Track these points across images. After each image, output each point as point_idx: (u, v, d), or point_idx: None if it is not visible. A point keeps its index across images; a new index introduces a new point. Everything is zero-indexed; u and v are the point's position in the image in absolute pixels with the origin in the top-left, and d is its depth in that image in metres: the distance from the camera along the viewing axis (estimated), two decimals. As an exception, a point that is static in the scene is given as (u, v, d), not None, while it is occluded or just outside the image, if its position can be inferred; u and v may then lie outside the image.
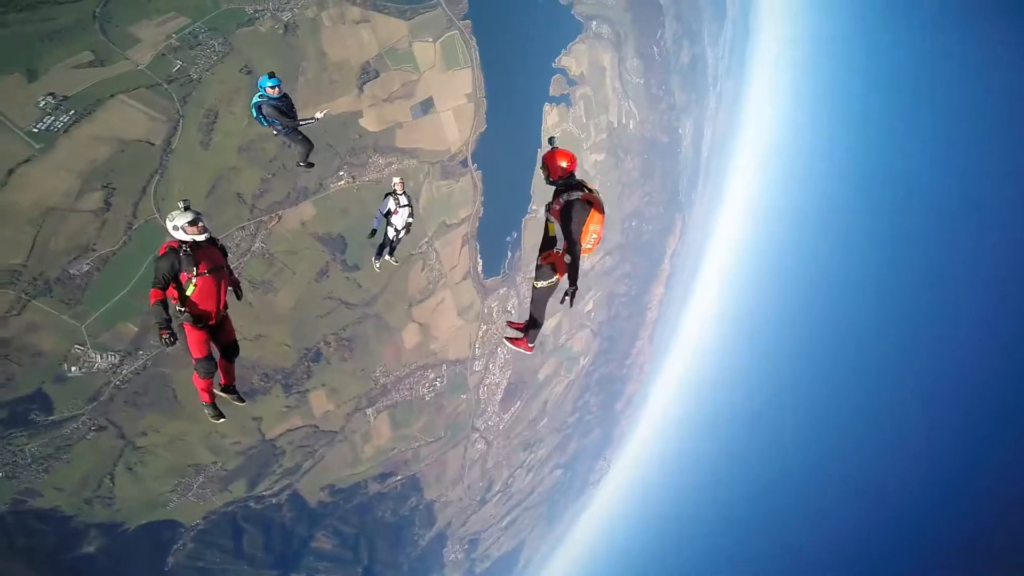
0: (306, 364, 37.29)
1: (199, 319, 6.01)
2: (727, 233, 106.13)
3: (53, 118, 24.89)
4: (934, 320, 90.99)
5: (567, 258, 5.34)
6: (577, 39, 53.85)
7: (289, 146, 10.84)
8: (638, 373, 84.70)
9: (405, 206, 11.06)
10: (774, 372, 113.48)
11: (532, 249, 47.31)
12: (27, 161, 24.65)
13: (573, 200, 5.37)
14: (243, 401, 7.17)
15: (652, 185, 69.73)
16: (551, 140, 6.10)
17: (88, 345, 27.51)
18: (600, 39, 56.20)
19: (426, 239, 42.78)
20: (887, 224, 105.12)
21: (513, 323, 6.56)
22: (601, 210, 5.44)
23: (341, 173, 35.88)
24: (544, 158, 5.90)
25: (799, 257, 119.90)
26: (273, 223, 33.33)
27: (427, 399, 46.85)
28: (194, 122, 29.44)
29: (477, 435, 54.36)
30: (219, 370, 6.68)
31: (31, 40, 24.83)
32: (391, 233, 11.40)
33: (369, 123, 37.61)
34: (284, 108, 9.64)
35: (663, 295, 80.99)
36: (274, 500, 38.99)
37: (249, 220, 32.22)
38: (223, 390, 6.88)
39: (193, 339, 6.08)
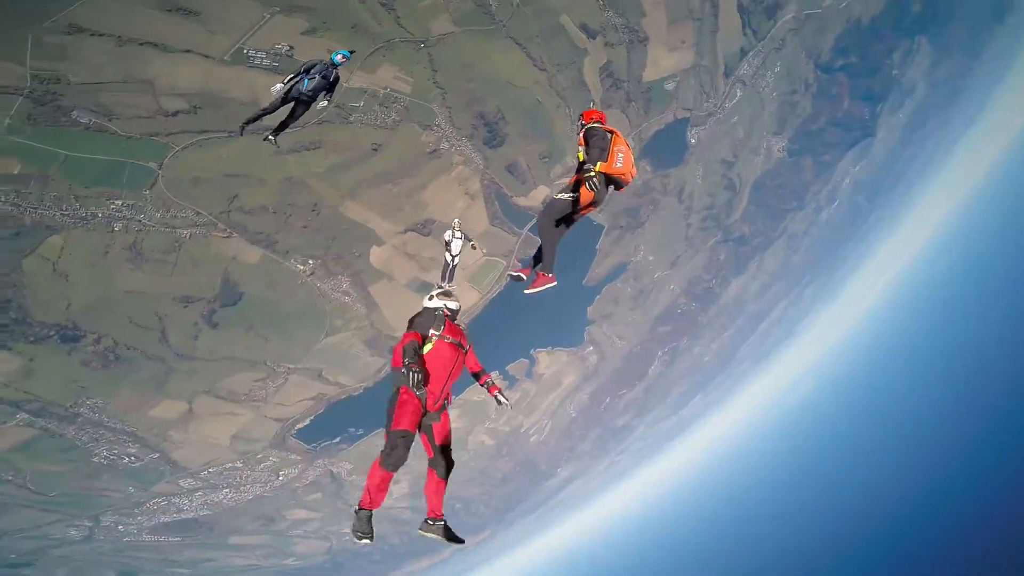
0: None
1: (419, 383, 4.68)
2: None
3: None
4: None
5: (593, 170, 5.72)
6: (571, 347, 55.12)
7: (291, 110, 10.72)
8: None
9: (458, 239, 14.39)
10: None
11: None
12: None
13: (594, 126, 6.25)
14: (463, 542, 5.11)
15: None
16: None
17: None
18: (583, 360, 57.75)
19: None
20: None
21: (517, 271, 6.27)
22: (623, 141, 6.02)
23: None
24: (582, 115, 6.68)
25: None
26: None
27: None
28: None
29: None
30: (429, 493, 5.16)
31: None
32: (448, 258, 14.89)
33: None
34: (329, 84, 10.43)
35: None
36: None
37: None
38: (433, 527, 5.02)
39: (405, 406, 4.79)
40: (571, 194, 5.96)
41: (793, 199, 56.23)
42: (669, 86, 42.48)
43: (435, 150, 36.92)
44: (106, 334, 32.49)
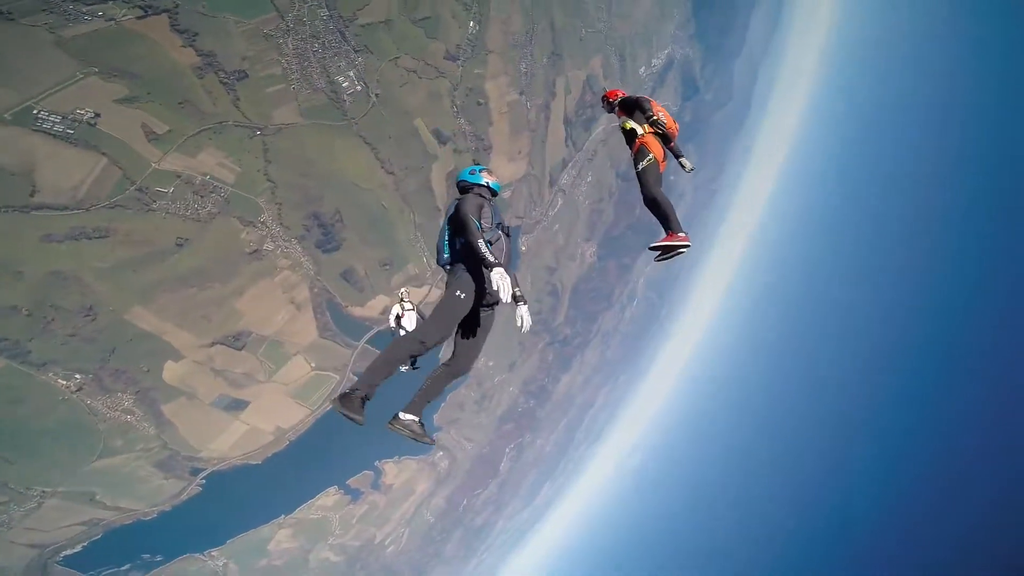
0: None
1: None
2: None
3: None
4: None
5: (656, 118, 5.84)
6: (420, 455, 51.98)
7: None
8: None
9: (410, 310, 9.19)
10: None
11: None
12: None
13: (628, 96, 6.30)
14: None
15: None
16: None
17: None
18: (433, 466, 54.64)
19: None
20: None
21: (656, 243, 5.48)
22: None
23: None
24: (605, 96, 6.70)
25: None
26: None
27: None
28: None
29: None
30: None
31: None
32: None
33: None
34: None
35: None
36: None
37: None
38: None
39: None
40: (648, 158, 5.76)
41: (603, 300, 65.71)
42: (506, 195, 46.73)
43: (257, 251, 33.12)
44: None
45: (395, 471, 51.25)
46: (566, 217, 55.37)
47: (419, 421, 4.49)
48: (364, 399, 4.16)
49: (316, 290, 36.93)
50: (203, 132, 29.47)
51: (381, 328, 41.15)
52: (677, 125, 6.09)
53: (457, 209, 4.56)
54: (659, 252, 5.47)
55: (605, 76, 50.33)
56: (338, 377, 39.67)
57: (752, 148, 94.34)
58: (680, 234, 5.38)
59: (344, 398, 4.09)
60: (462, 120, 40.53)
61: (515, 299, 4.68)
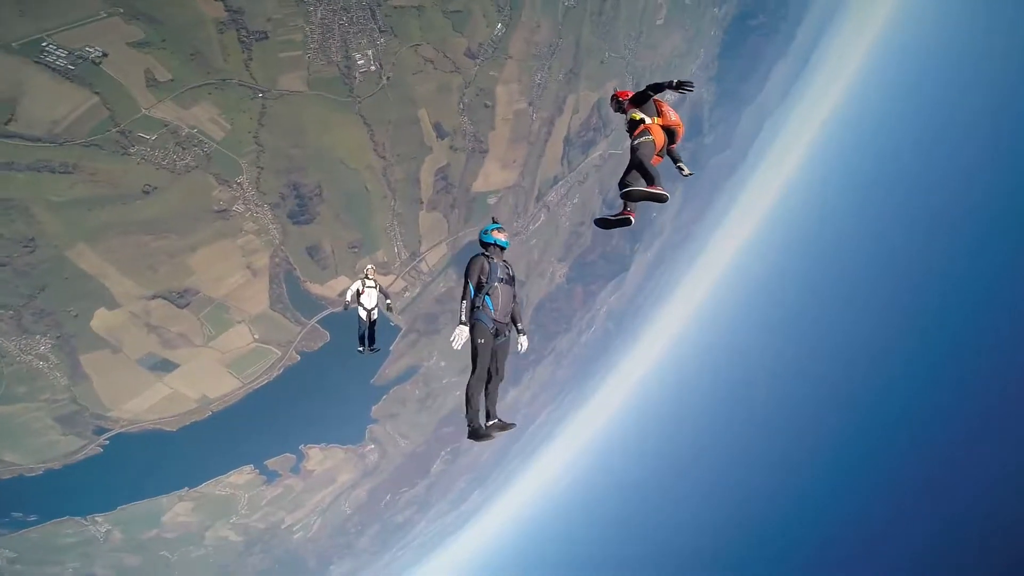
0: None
1: None
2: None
3: None
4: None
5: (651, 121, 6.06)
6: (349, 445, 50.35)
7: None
8: None
9: (372, 287, 11.49)
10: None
11: None
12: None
13: (636, 93, 6.27)
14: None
15: None
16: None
17: None
18: (362, 458, 53.11)
19: None
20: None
21: (636, 187, 5.70)
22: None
23: None
24: (615, 96, 6.67)
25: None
26: None
27: None
28: None
29: None
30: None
31: None
32: (363, 314, 11.76)
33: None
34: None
35: None
36: None
37: None
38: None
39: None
40: (647, 137, 5.99)
41: (564, 322, 65.94)
42: (491, 200, 46.07)
43: (225, 210, 31.31)
44: None
45: (320, 457, 49.33)
46: (545, 234, 55.29)
47: (496, 421, 6.06)
48: (489, 425, 5.97)
49: (277, 259, 35.00)
50: (205, 86, 28.25)
51: (335, 310, 39.78)
52: (683, 128, 6.35)
53: (468, 264, 6.04)
54: (634, 198, 5.72)
55: (616, 103, 50.64)
56: (279, 353, 37.85)
57: (737, 198, 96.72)
58: (659, 188, 5.60)
59: (477, 435, 5.69)
60: (465, 119, 39.73)
61: (518, 331, 6.34)
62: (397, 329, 46.11)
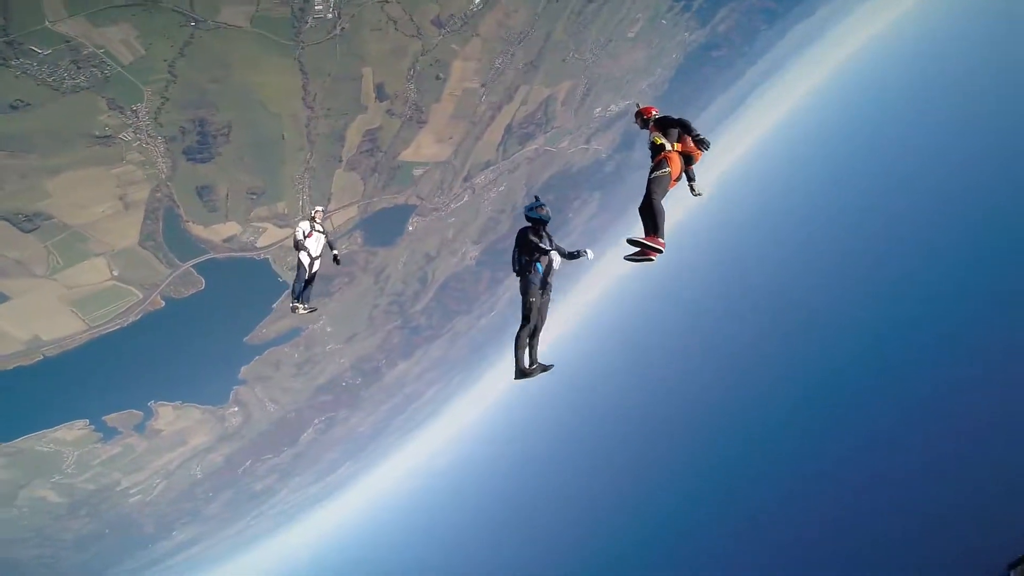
0: None
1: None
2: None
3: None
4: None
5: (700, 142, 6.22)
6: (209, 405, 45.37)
7: None
8: None
9: (320, 233, 10.43)
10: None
11: None
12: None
13: (663, 116, 6.68)
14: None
15: None
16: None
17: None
18: (221, 421, 48.28)
19: None
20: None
21: (635, 238, 5.99)
22: None
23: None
24: (640, 112, 7.10)
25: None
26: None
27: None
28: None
29: None
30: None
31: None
32: (305, 261, 10.30)
33: None
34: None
35: None
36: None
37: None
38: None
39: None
40: (664, 170, 6.15)
41: (465, 303, 65.54)
42: (417, 172, 43.92)
43: (109, 136, 26.73)
44: None
45: (171, 416, 43.94)
46: (465, 215, 54.04)
47: (536, 364, 6.92)
48: (533, 367, 6.87)
49: (159, 195, 30.29)
50: (132, 6, 24.09)
51: (217, 255, 35.13)
52: (702, 154, 6.55)
53: (520, 236, 7.01)
54: (634, 250, 5.89)
55: (563, 103, 50.39)
56: (140, 296, 32.68)
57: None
58: (660, 240, 5.87)
59: (524, 374, 6.76)
60: (412, 86, 37.37)
61: (570, 254, 6.97)
62: (284, 286, 42.19)
